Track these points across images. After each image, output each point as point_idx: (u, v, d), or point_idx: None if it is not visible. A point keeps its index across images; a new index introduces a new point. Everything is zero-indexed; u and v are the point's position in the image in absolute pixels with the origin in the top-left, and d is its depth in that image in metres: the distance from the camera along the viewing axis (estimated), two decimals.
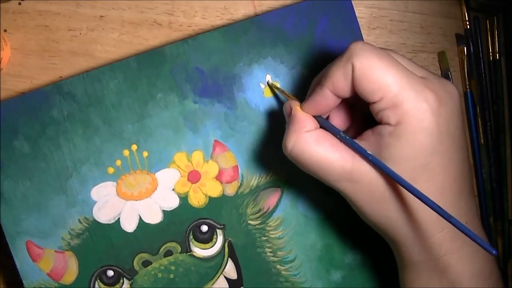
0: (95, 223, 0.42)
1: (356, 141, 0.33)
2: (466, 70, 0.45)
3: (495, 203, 0.47)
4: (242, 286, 0.43)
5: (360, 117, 0.37)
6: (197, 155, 0.42)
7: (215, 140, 0.42)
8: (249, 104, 0.42)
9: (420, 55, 0.46)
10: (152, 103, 0.41)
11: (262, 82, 0.42)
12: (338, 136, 0.33)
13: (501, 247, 0.47)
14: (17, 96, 0.42)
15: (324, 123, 0.34)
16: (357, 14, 0.44)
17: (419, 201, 0.30)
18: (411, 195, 0.31)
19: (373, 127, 0.33)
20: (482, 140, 0.46)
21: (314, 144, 0.33)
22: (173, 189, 0.42)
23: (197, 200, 0.42)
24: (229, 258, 0.43)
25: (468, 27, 0.45)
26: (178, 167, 0.42)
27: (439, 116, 0.31)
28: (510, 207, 0.46)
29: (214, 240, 0.42)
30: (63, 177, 0.42)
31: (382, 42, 0.46)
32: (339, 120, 0.36)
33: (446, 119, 0.31)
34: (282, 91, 0.40)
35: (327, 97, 0.33)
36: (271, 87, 0.41)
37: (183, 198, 0.42)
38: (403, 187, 0.30)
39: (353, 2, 0.43)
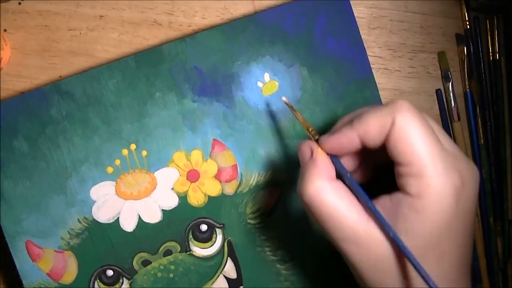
0: (95, 222, 0.42)
1: (373, 203, 0.32)
2: (466, 70, 0.45)
3: (495, 203, 0.46)
4: (242, 285, 0.43)
5: (370, 165, 0.35)
6: (196, 154, 0.42)
7: (214, 139, 0.42)
8: (248, 103, 0.41)
9: (420, 55, 0.46)
10: (151, 102, 0.41)
11: (261, 80, 0.41)
12: (357, 194, 0.32)
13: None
14: (16, 96, 0.42)
15: (343, 172, 0.32)
16: (357, 14, 0.44)
17: (421, 280, 0.30)
18: (416, 273, 0.30)
19: (390, 193, 0.31)
20: (482, 140, 0.46)
21: (333, 196, 0.31)
22: (172, 189, 0.42)
23: (196, 199, 0.42)
24: (228, 258, 0.43)
25: (468, 27, 0.45)
26: (177, 166, 0.42)
27: (459, 198, 0.30)
28: (510, 207, 0.46)
29: (213, 239, 0.42)
30: (62, 177, 0.42)
31: (382, 42, 0.45)
32: (348, 161, 0.34)
33: (465, 201, 0.31)
34: (297, 113, 0.36)
35: (352, 140, 0.32)
36: (288, 105, 0.38)
37: (182, 198, 0.42)
38: (412, 265, 0.29)
39: (353, 2, 0.43)
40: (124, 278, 0.42)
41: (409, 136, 0.30)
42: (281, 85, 0.42)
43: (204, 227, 0.42)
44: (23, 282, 0.42)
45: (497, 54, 0.45)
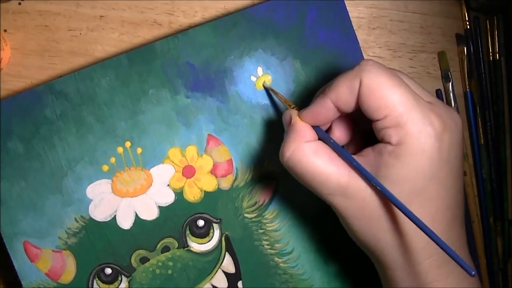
0: (92, 221, 0.42)
1: (355, 157, 0.33)
2: (466, 70, 0.45)
3: (495, 203, 0.47)
4: (241, 280, 0.43)
5: (361, 135, 0.36)
6: (191, 150, 0.42)
7: (209, 134, 0.42)
8: (241, 97, 0.42)
9: (420, 55, 0.46)
10: (145, 99, 0.41)
11: (254, 74, 0.42)
12: (336, 150, 0.33)
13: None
14: (9, 96, 0.42)
15: (323, 136, 0.34)
16: (357, 14, 0.45)
17: (410, 225, 0.30)
18: (403, 218, 0.31)
19: (373, 145, 0.32)
20: (482, 140, 0.46)
21: (312, 155, 0.32)
22: (168, 185, 0.42)
23: (192, 195, 0.42)
24: (226, 252, 0.43)
25: (468, 27, 0.45)
26: (173, 162, 0.42)
27: (442, 141, 0.31)
28: (510, 207, 0.46)
29: (211, 234, 0.42)
30: (58, 176, 0.42)
31: (382, 42, 0.46)
32: (340, 134, 0.36)
33: (448, 146, 0.31)
34: (278, 94, 0.39)
35: (327, 108, 0.33)
36: (267, 89, 0.41)
37: (179, 194, 0.42)
38: (398, 207, 0.30)
39: (353, 2, 0.43)
40: (123, 276, 0.43)
41: (378, 91, 0.30)
42: (274, 78, 0.42)
43: (201, 223, 0.42)
44: (22, 282, 0.42)
45: (497, 54, 0.45)
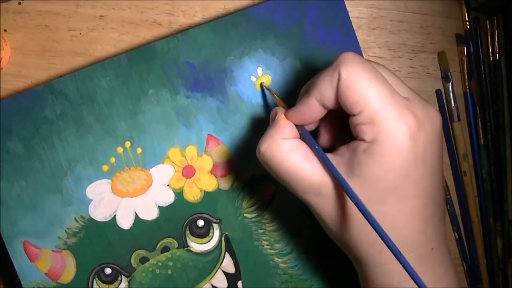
0: (91, 221, 0.42)
1: (331, 155, 0.33)
2: (466, 70, 0.45)
3: (495, 203, 0.46)
4: (240, 280, 0.43)
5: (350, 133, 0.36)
6: (191, 150, 0.42)
7: (209, 134, 0.42)
8: (241, 97, 0.42)
9: (420, 55, 0.46)
10: (144, 99, 0.41)
11: (254, 74, 0.42)
12: (312, 148, 0.33)
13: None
14: (9, 96, 0.42)
15: (303, 134, 0.34)
16: (357, 14, 0.45)
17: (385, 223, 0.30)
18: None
19: (349, 142, 0.32)
20: (482, 140, 0.46)
21: (286, 151, 0.32)
22: (168, 185, 0.42)
23: (192, 195, 0.42)
24: (226, 252, 0.43)
25: (468, 27, 0.45)
26: (173, 162, 0.42)
27: (416, 140, 0.30)
28: (510, 207, 0.46)
29: (210, 234, 0.42)
30: (58, 176, 0.42)
31: (382, 42, 0.45)
32: (327, 133, 0.36)
33: (423, 144, 0.31)
34: (274, 94, 0.39)
35: (312, 107, 0.32)
36: (263, 88, 0.41)
37: (179, 194, 0.42)
38: (357, 207, 0.30)
39: (353, 2, 0.43)
40: (123, 276, 0.43)
41: (356, 85, 0.30)
42: (274, 78, 0.42)
43: (201, 223, 0.42)
44: (22, 282, 0.42)
45: (497, 54, 0.45)
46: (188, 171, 0.42)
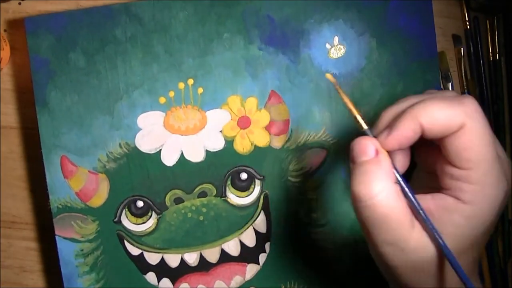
0: (135, 150, 0.41)
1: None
2: (463, 71, 0.45)
3: None
4: (269, 241, 0.42)
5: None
6: (251, 102, 0.41)
7: (272, 90, 0.41)
8: (312, 62, 0.42)
9: None
10: (217, 42, 0.41)
11: (329, 42, 0.42)
12: (408, 197, 0.30)
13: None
14: (80, 9, 0.41)
15: (399, 177, 0.30)
16: None
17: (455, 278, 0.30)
18: (451, 271, 0.30)
19: (432, 192, 0.31)
20: None
21: (394, 199, 0.29)
22: (220, 131, 0.41)
23: (242, 146, 0.42)
24: (262, 211, 0.42)
25: (468, 27, 0.45)
26: (230, 109, 0.41)
27: (502, 203, 0.30)
28: (510, 207, 0.46)
29: (251, 189, 0.42)
30: (112, 98, 0.41)
31: None
32: (403, 158, 0.33)
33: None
34: (343, 95, 0.32)
35: (416, 132, 0.30)
36: (334, 84, 0.34)
37: (229, 142, 0.42)
38: (460, 278, 0.29)
39: None
40: (153, 212, 0.42)
41: (478, 145, 0.29)
42: (348, 51, 0.42)
43: (244, 176, 0.42)
44: (50, 196, 0.41)
45: (497, 54, 0.45)
46: (243, 122, 0.41)
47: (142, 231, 0.42)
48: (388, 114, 0.32)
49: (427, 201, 0.30)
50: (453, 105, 0.29)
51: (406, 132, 0.29)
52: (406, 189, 0.30)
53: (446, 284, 0.31)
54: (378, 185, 0.29)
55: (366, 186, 0.29)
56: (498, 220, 0.32)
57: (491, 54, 0.46)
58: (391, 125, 0.30)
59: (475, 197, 0.29)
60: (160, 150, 0.41)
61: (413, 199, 0.30)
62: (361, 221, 0.30)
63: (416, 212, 0.30)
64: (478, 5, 0.45)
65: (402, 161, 0.32)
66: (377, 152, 0.30)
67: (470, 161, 0.29)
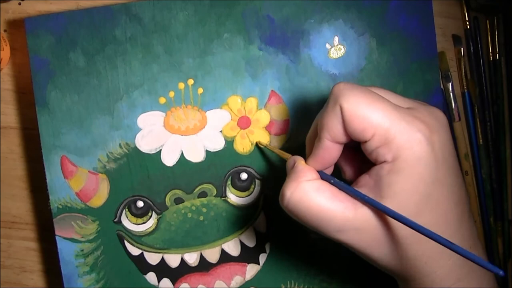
0: (136, 150, 0.41)
1: (355, 188, 0.32)
2: (463, 71, 0.46)
3: (495, 203, 0.47)
4: (269, 241, 0.42)
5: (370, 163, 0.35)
6: (251, 102, 0.41)
7: (272, 90, 0.42)
8: (312, 62, 0.42)
9: None
10: (217, 42, 0.41)
11: (329, 42, 0.42)
12: (338, 186, 0.32)
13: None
14: (82, 9, 0.41)
15: (324, 176, 0.33)
16: None
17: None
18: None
19: (368, 170, 0.32)
20: (481, 140, 0.46)
21: (314, 193, 0.32)
22: (220, 131, 0.41)
23: (242, 146, 0.42)
24: (262, 211, 0.42)
25: (468, 27, 0.45)
26: (230, 110, 0.41)
27: (433, 144, 0.30)
28: (510, 207, 0.46)
29: (251, 189, 0.42)
30: (112, 98, 0.41)
31: None
32: (350, 169, 0.36)
33: (439, 146, 0.31)
34: (274, 149, 0.40)
35: (328, 147, 0.33)
36: (259, 146, 0.42)
37: (229, 142, 0.42)
38: (405, 224, 0.30)
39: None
40: (154, 212, 0.42)
41: (359, 112, 0.30)
42: (348, 51, 0.42)
43: (244, 176, 0.42)
44: (50, 197, 0.41)
45: (497, 54, 0.45)
46: (244, 122, 0.41)
47: (142, 231, 0.42)
48: (308, 140, 0.36)
49: (365, 178, 0.32)
50: (328, 103, 0.32)
51: (320, 152, 0.33)
52: (332, 181, 0.32)
53: (426, 248, 0.31)
54: (292, 184, 0.32)
55: (283, 189, 0.33)
56: (459, 171, 0.33)
57: (491, 54, 0.46)
58: (308, 151, 0.35)
59: (394, 152, 0.30)
60: (160, 150, 0.41)
61: (334, 182, 0.32)
62: (303, 223, 0.33)
63: (353, 195, 0.32)
64: (478, 5, 0.45)
65: (349, 170, 0.36)
66: (294, 164, 0.34)
67: (367, 130, 0.30)
